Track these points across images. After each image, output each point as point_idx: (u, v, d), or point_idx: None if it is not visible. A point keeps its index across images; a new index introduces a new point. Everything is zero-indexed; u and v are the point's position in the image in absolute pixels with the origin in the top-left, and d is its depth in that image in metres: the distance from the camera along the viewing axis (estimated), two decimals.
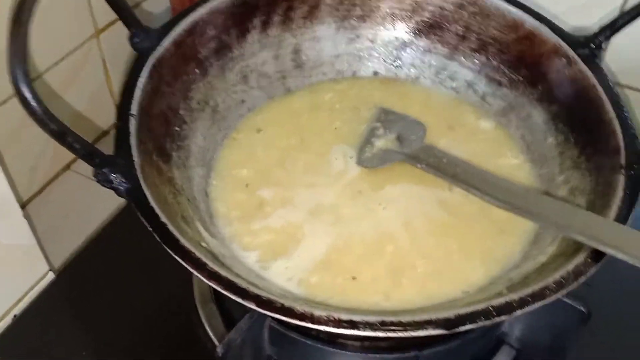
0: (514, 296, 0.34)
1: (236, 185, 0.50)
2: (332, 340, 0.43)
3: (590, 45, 0.49)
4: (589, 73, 0.48)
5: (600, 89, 0.46)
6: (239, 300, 0.34)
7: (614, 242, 0.36)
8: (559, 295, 0.35)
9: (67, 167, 0.64)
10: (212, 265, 0.36)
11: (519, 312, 0.34)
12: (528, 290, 0.34)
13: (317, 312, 0.34)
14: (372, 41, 0.59)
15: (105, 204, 0.60)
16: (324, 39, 0.58)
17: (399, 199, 0.49)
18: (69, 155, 0.61)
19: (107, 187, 0.39)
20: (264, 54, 0.56)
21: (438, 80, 0.58)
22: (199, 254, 0.36)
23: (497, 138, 0.54)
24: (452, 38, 0.57)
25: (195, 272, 0.35)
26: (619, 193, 0.40)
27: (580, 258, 0.37)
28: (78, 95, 0.61)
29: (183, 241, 0.37)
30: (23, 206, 0.56)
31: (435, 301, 0.41)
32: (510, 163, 0.51)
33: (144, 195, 0.39)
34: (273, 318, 0.34)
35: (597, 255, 0.37)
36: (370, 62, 0.60)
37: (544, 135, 0.51)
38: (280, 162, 0.52)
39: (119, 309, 0.52)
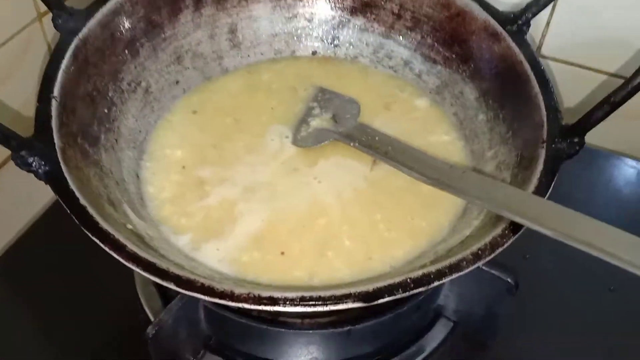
0: (432, 268, 0.35)
1: (170, 166, 0.49)
2: (266, 318, 0.44)
3: (518, 22, 0.50)
4: (516, 49, 0.48)
5: (527, 65, 0.47)
6: (158, 280, 0.34)
7: (531, 214, 0.37)
8: (475, 266, 0.35)
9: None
10: (131, 247, 0.35)
11: (435, 284, 0.34)
12: (446, 263, 0.35)
13: (238, 290, 0.34)
14: (309, 20, 0.59)
15: (44, 191, 0.58)
16: (260, 18, 0.58)
17: (331, 173, 0.49)
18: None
19: (26, 171, 0.38)
20: (198, 34, 0.56)
21: (376, 59, 0.58)
22: (119, 236, 0.36)
23: (431, 116, 0.54)
24: (388, 16, 0.57)
25: (114, 254, 0.35)
26: (539, 166, 0.41)
27: (498, 230, 0.37)
28: (21, 85, 0.59)
29: (102, 223, 0.36)
30: None
31: (363, 276, 0.41)
32: (443, 140, 0.52)
33: (64, 178, 0.38)
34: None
35: (515, 228, 0.37)
36: (308, 41, 0.59)
37: (475, 112, 0.51)
38: (215, 143, 0.51)
39: (58, 296, 0.52)
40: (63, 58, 0.45)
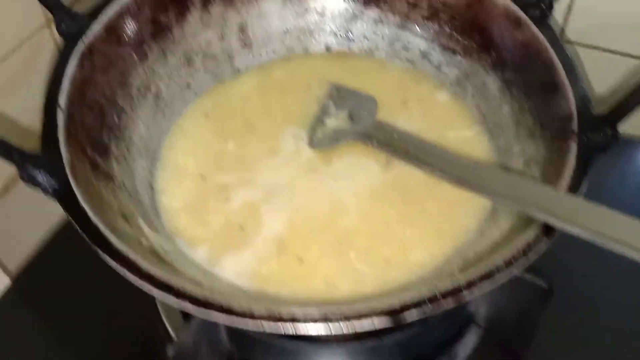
0: (462, 278, 0.33)
1: (184, 174, 0.48)
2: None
3: (540, 6, 0.47)
4: (540, 35, 0.46)
5: (552, 51, 0.44)
6: (172, 300, 0.32)
7: (564, 214, 0.34)
8: (508, 275, 0.33)
9: None
10: (146, 264, 0.34)
11: (467, 296, 0.32)
12: (477, 272, 0.33)
13: (257, 309, 0.32)
14: (321, 14, 0.57)
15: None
16: (270, 15, 0.56)
17: (347, 172, 0.48)
18: None
19: (34, 188, 0.37)
20: (208, 34, 0.54)
21: (392, 51, 0.56)
22: (134, 254, 0.35)
23: (452, 110, 0.52)
24: (403, 6, 0.54)
25: (129, 275, 0.34)
26: (571, 161, 0.38)
27: (531, 234, 0.35)
28: (29, 93, 0.57)
29: (115, 242, 0.35)
30: None
31: (386, 284, 0.39)
32: (466, 135, 0.50)
33: (74, 194, 0.37)
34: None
35: (549, 230, 0.35)
36: (321, 36, 0.57)
37: (499, 104, 0.49)
38: (230, 148, 0.50)
39: (78, 310, 0.51)
40: (68, 65, 0.43)
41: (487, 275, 0.33)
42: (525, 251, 0.34)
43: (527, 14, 0.47)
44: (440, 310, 0.32)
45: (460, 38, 0.52)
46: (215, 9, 0.53)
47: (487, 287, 0.33)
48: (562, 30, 0.58)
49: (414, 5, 0.54)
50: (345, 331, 0.31)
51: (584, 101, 0.42)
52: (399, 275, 0.40)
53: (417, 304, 0.31)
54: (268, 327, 0.31)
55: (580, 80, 0.43)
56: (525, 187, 0.38)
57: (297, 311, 0.32)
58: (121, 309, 0.50)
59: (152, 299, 0.50)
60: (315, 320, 0.31)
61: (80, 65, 0.44)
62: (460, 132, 0.50)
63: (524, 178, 0.40)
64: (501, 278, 0.33)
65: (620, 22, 0.56)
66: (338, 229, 0.44)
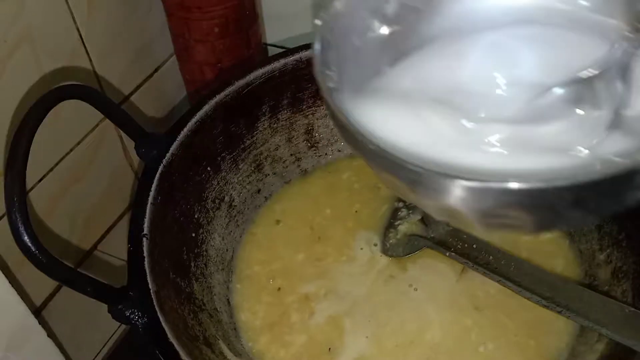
0: None
1: (261, 287, 0.48)
2: None
3: None
4: None
5: None
6: None
7: None
8: None
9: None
10: None
11: None
12: None
13: None
14: None
15: None
16: None
17: (424, 279, 0.47)
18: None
19: (124, 324, 0.38)
20: (276, 139, 0.55)
21: None
22: None
23: None
24: None
25: None
26: None
27: None
28: (98, 176, 0.59)
29: None
30: (39, 311, 0.55)
31: None
32: (545, 238, 0.48)
33: (162, 329, 0.37)
34: None
35: None
36: None
37: None
38: (304, 257, 0.50)
39: None
40: (150, 190, 0.44)
41: None
42: None
43: None
44: None
45: None
46: (283, 115, 0.54)
47: None
48: None
49: None
50: None
51: None
52: None
53: None
54: None
55: None
56: (622, 315, 0.36)
57: None
58: None
59: None
60: None
61: (161, 187, 0.45)
62: (539, 235, 0.49)
63: (622, 305, 0.38)
64: None
65: None
66: (423, 343, 0.43)
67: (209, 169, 0.50)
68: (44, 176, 0.52)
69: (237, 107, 0.51)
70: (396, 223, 0.50)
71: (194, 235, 0.47)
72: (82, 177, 0.57)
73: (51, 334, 0.50)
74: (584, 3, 0.28)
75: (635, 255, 0.42)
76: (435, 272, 0.47)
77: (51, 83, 0.51)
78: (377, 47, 0.30)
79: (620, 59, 0.25)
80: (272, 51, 0.68)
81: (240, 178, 0.52)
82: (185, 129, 0.48)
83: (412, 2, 0.30)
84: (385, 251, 0.49)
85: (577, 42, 0.27)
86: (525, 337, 0.43)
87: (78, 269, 0.38)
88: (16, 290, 0.45)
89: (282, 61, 0.52)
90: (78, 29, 0.52)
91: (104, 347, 0.61)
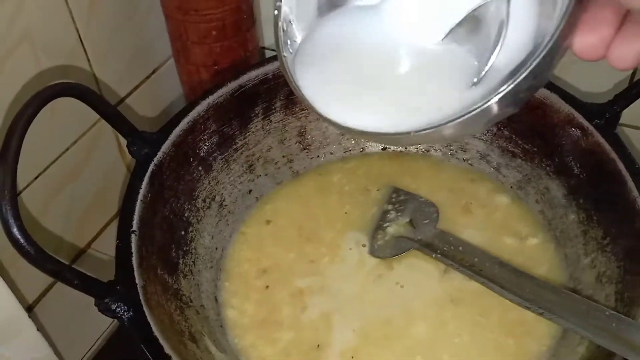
0: None
1: (249, 284, 0.48)
2: None
3: (606, 115, 0.47)
4: (606, 146, 0.45)
5: (620, 164, 0.44)
6: None
7: None
8: None
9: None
10: None
11: None
12: None
13: None
14: None
15: None
16: None
17: (410, 277, 0.48)
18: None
19: (110, 317, 0.38)
20: (268, 140, 0.55)
21: (449, 152, 0.56)
22: None
23: (515, 215, 0.51)
24: None
25: None
26: None
27: None
28: (93, 176, 0.60)
29: None
30: (30, 308, 0.55)
31: None
32: (531, 243, 0.49)
33: (147, 324, 0.38)
34: None
35: None
36: None
37: (564, 212, 0.48)
38: (293, 257, 0.50)
39: None
40: (140, 187, 0.45)
41: None
42: None
43: (591, 122, 0.46)
44: None
45: (520, 141, 0.52)
46: (276, 117, 0.55)
47: None
48: None
49: None
50: None
51: None
52: None
53: None
54: None
55: None
56: (600, 316, 0.37)
57: None
58: None
59: None
60: None
61: (151, 185, 0.45)
62: (525, 239, 0.49)
63: (604, 308, 0.38)
64: None
65: None
66: (407, 336, 0.44)
67: (200, 168, 0.51)
68: (39, 175, 0.53)
69: (231, 108, 0.52)
70: (385, 225, 0.51)
71: (183, 233, 0.48)
72: (77, 177, 0.57)
73: (41, 329, 0.51)
74: None
75: (619, 260, 0.42)
76: (420, 271, 0.48)
77: (48, 82, 0.51)
78: None
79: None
80: (269, 54, 0.68)
81: (232, 178, 0.53)
82: (178, 129, 0.49)
83: None
84: (372, 252, 0.49)
85: None
86: (503, 335, 0.43)
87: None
88: (8, 286, 0.46)
89: (276, 64, 0.52)
90: (77, 30, 0.53)
91: (94, 344, 0.61)
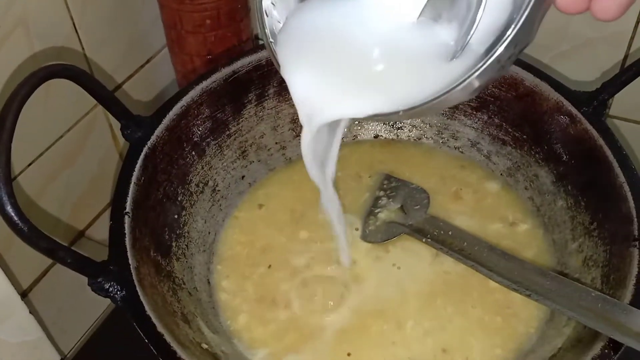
0: None
1: (241, 267, 0.49)
2: None
3: (594, 103, 0.47)
4: (594, 133, 0.46)
5: (608, 150, 0.45)
6: None
7: (630, 331, 0.34)
8: None
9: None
10: None
11: None
12: None
13: None
14: None
15: None
16: None
17: (405, 260, 0.48)
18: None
19: (103, 296, 0.39)
20: (261, 127, 0.56)
21: (440, 140, 0.57)
22: None
23: (504, 201, 0.52)
24: None
25: None
26: (634, 270, 0.38)
27: (596, 349, 0.34)
28: (88, 163, 0.60)
29: (180, 353, 0.36)
30: (25, 294, 0.56)
31: None
32: (520, 229, 0.50)
33: (140, 302, 0.38)
34: None
35: (615, 345, 0.35)
36: (370, 125, 0.59)
37: (553, 198, 0.49)
38: (285, 240, 0.50)
39: None
40: (133, 170, 0.45)
41: None
42: None
43: (580, 110, 0.47)
44: None
45: (510, 129, 0.53)
46: (269, 103, 0.56)
47: None
48: (608, 106, 0.58)
49: None
50: None
51: None
52: None
53: None
54: None
55: (639, 181, 0.42)
56: (590, 298, 0.37)
57: None
58: None
59: None
60: None
61: (145, 168, 0.46)
62: (514, 225, 0.50)
63: (588, 289, 0.39)
64: None
65: None
66: (400, 311, 0.45)
67: (193, 153, 0.51)
68: (34, 161, 0.53)
69: (224, 94, 0.52)
70: (376, 211, 0.51)
71: (176, 216, 0.48)
72: (72, 163, 0.58)
73: (34, 312, 0.51)
74: None
75: (605, 244, 0.43)
76: (414, 253, 0.49)
77: None
78: None
79: None
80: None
81: (225, 164, 0.53)
82: (171, 113, 0.49)
83: None
84: (364, 237, 0.50)
85: None
86: (491, 313, 0.44)
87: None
88: (1, 269, 0.46)
89: None
90: (72, 18, 0.53)
91: (87, 330, 0.61)
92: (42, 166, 0.54)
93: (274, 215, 0.53)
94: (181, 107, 0.50)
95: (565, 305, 0.38)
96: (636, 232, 0.40)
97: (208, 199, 0.52)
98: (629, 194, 0.42)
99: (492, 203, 0.52)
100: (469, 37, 0.27)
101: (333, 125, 0.37)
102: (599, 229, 0.44)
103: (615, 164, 0.43)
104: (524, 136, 0.52)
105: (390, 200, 0.52)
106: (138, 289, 0.39)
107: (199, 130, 0.51)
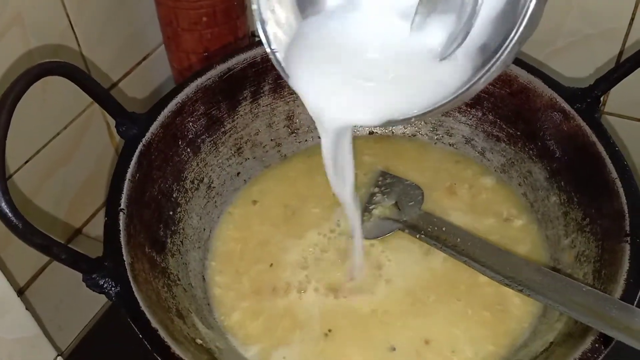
0: None
1: (235, 264, 0.49)
2: None
3: (587, 100, 0.47)
4: (587, 129, 0.46)
5: (600, 146, 0.45)
6: None
7: (621, 325, 0.34)
8: None
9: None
10: None
11: None
12: None
13: None
14: None
15: None
16: None
17: (395, 255, 0.49)
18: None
19: (97, 292, 0.39)
20: (256, 124, 0.56)
21: (435, 136, 0.57)
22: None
23: (499, 197, 0.52)
24: None
25: None
26: (625, 265, 0.38)
27: (587, 343, 0.35)
28: (84, 161, 0.60)
29: (174, 349, 0.36)
30: (21, 291, 0.56)
31: None
32: (515, 224, 0.50)
33: (135, 299, 0.38)
34: None
35: (606, 339, 0.35)
36: None
37: (546, 194, 0.49)
38: (279, 234, 0.51)
39: None
40: (128, 167, 0.45)
41: None
42: None
43: (573, 107, 0.47)
44: None
45: (504, 126, 0.53)
46: (265, 100, 0.56)
47: None
48: (603, 103, 0.58)
49: None
50: None
51: (636, 200, 0.41)
52: None
53: None
54: None
55: (632, 178, 0.42)
56: (581, 293, 0.37)
57: None
58: None
59: None
60: None
61: (139, 165, 0.46)
62: (508, 221, 0.50)
63: (580, 284, 0.39)
64: None
65: None
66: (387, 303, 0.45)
67: (188, 150, 0.51)
68: (30, 159, 0.53)
69: (219, 91, 0.52)
70: (371, 207, 0.51)
71: (171, 213, 0.48)
72: (68, 161, 0.58)
73: (30, 308, 0.51)
74: None
75: (598, 240, 0.43)
76: (405, 248, 0.49)
77: None
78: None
79: None
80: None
81: (220, 161, 0.54)
82: (166, 110, 0.49)
83: None
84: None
85: None
86: (479, 307, 0.44)
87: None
88: None
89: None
90: (68, 15, 0.53)
91: (84, 327, 0.62)
92: (38, 164, 0.54)
93: (268, 211, 0.53)
94: (176, 104, 0.50)
95: (557, 300, 0.38)
96: (628, 228, 0.40)
97: (203, 195, 0.52)
98: (621, 190, 0.42)
99: (486, 199, 0.52)
100: (460, 42, 0.27)
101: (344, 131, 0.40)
102: (592, 224, 0.44)
103: (608, 160, 0.44)
104: (518, 132, 0.52)
105: (385, 196, 0.52)
106: (133, 285, 0.39)
107: (194, 127, 0.52)
